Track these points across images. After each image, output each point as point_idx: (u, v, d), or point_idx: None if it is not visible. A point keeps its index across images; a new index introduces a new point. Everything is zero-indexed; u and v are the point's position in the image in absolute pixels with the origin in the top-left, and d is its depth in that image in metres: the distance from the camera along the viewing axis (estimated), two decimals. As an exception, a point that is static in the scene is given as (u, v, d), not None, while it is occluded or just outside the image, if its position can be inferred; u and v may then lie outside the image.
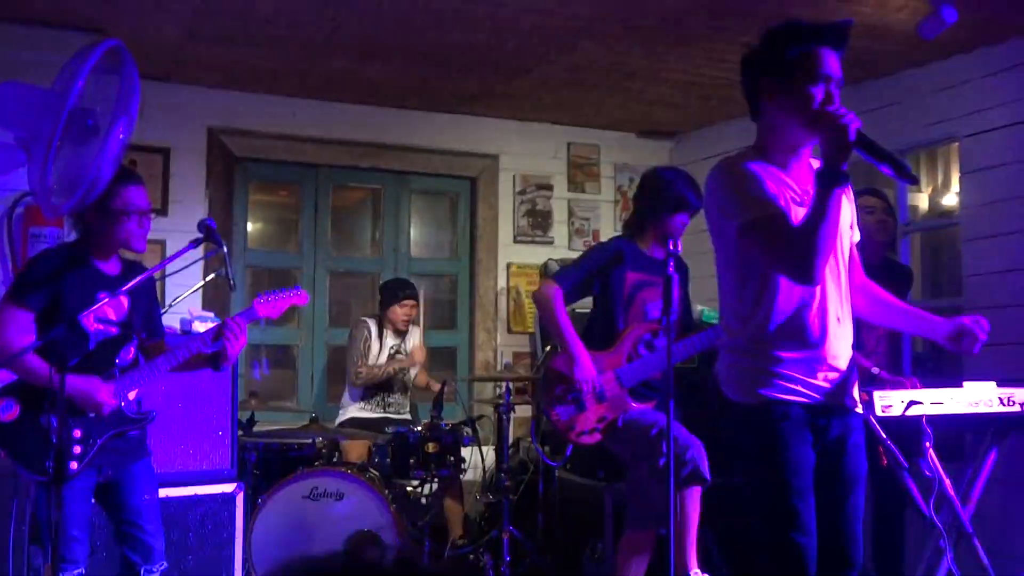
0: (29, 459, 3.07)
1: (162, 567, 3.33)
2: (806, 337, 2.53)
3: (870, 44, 4.77)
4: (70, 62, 2.96)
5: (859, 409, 2.68)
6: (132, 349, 3.31)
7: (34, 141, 3.00)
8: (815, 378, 2.55)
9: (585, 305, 4.27)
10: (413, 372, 5.77)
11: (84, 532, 3.17)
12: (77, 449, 3.13)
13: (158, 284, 5.40)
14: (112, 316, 3.24)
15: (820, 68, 2.48)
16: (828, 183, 2.37)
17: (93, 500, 3.30)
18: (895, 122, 5.20)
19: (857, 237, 2.77)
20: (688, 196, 3.98)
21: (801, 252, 2.39)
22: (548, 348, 4.21)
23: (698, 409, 4.43)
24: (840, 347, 2.59)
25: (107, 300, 3.07)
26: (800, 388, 2.53)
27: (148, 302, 3.43)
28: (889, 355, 4.58)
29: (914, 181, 2.54)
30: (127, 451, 3.29)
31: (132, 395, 3.27)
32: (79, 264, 3.19)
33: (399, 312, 5.68)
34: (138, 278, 3.15)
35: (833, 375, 2.58)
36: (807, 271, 2.41)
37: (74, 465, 3.12)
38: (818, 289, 2.52)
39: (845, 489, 2.62)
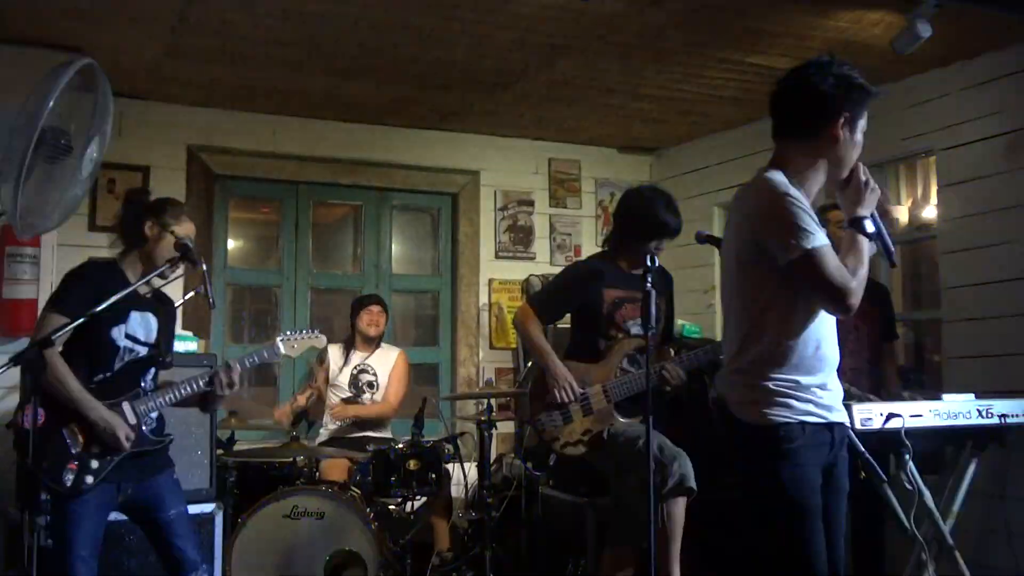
0: (47, 469, 3.07)
1: (203, 572, 3.41)
2: (822, 363, 2.61)
3: (846, 59, 4.79)
4: (42, 81, 2.95)
5: (848, 423, 2.78)
6: (156, 372, 3.39)
7: (5, 161, 2.99)
8: (824, 399, 2.60)
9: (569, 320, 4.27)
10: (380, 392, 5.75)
11: (92, 553, 3.14)
12: (94, 463, 3.16)
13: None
14: (141, 336, 3.32)
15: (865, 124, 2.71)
16: (861, 230, 2.59)
17: (125, 517, 3.39)
18: (872, 136, 5.18)
19: None
20: (666, 223, 3.98)
21: (848, 288, 2.50)
22: (531, 362, 4.21)
23: (686, 422, 4.44)
24: (835, 368, 2.69)
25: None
26: (813, 408, 2.58)
27: (172, 329, 3.55)
28: (871, 369, 4.59)
29: (892, 265, 2.83)
30: (146, 466, 3.33)
31: (155, 416, 3.35)
32: (116, 280, 3.28)
33: (366, 319, 5.72)
34: (143, 278, 3.28)
35: (836, 395, 2.66)
36: (849, 306, 2.52)
37: (89, 479, 3.14)
38: (831, 318, 2.63)
39: (832, 500, 2.65)
